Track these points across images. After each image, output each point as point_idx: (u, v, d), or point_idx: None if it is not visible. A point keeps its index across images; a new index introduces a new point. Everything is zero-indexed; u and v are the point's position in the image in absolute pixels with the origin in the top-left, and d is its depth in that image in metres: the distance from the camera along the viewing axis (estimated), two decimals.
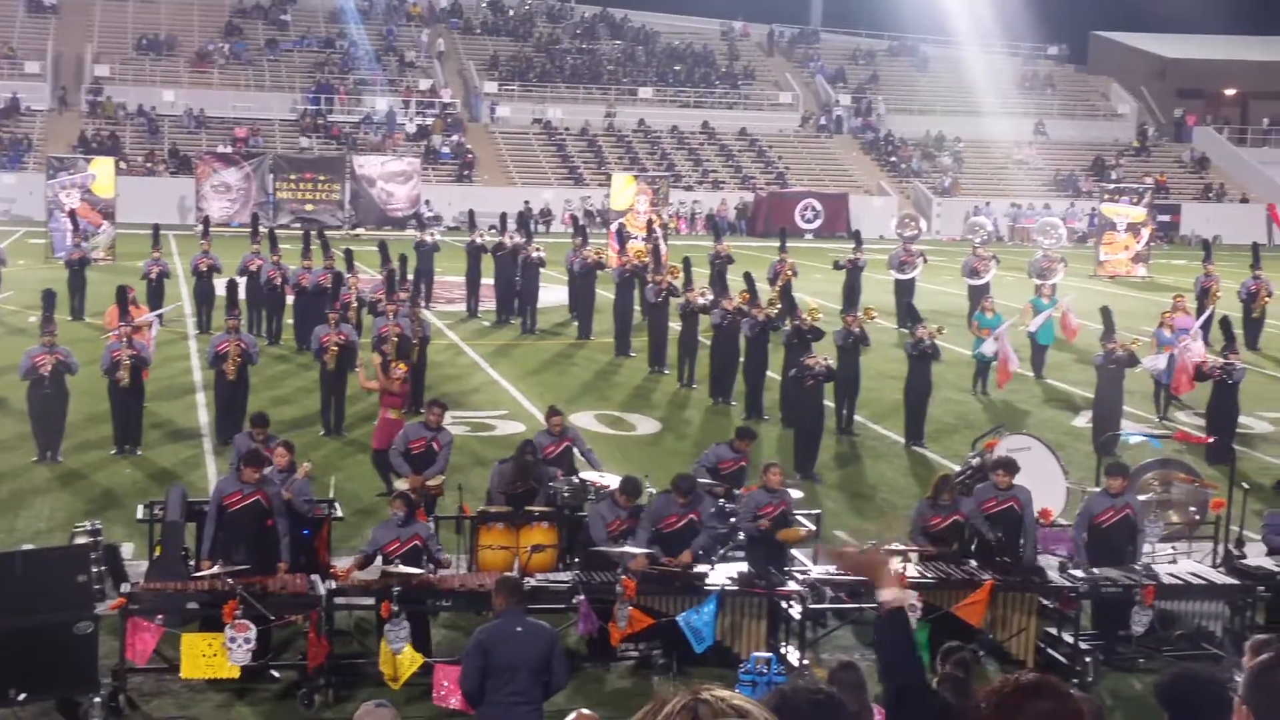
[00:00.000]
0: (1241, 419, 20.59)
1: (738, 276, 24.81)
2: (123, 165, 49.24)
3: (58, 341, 18.32)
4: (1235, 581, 12.73)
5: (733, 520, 13.53)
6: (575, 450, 15.14)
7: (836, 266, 30.77)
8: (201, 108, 59.53)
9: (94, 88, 59.68)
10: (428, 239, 31.90)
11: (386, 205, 53.53)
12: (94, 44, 62.58)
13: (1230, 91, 74.24)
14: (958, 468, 16.08)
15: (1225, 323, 21.33)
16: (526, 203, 52.73)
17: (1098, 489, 13.79)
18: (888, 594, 5.18)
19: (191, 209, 50.62)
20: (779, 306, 22.54)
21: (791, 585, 12.26)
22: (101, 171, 41.29)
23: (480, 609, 11.76)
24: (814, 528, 13.79)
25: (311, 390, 21.44)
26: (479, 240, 31.40)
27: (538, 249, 30.06)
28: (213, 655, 11.03)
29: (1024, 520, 13.10)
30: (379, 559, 11.93)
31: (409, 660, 11.07)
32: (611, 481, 14.22)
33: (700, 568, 12.49)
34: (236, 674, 11.09)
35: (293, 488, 12.79)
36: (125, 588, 11.47)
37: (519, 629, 9.41)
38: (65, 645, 10.80)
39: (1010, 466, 13.27)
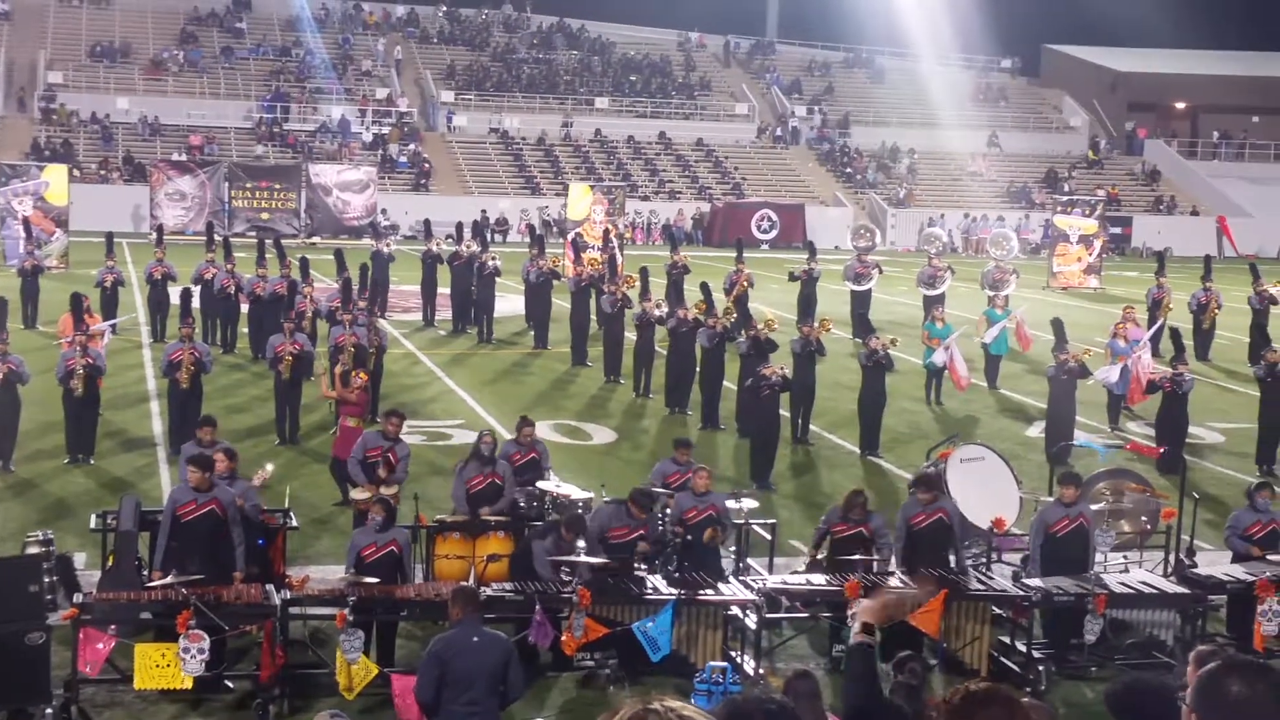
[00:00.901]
0: (1192, 429, 20.79)
1: (694, 287, 24.89)
2: (76, 173, 48.92)
3: (10, 350, 18.17)
4: (1186, 590, 12.86)
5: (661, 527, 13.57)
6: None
7: (792, 278, 30.86)
8: (156, 115, 59.18)
9: (47, 94, 59.24)
10: (384, 248, 31.83)
11: (343, 214, 53.39)
12: (47, 51, 62.14)
13: (1181, 105, 74.97)
14: (910, 477, 16.18)
15: (1175, 334, 21.52)
16: (483, 212, 52.75)
17: (1051, 499, 13.92)
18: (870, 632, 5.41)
19: (145, 217, 50.33)
20: (735, 316, 22.62)
21: (747, 594, 12.29)
22: (55, 179, 40.94)
23: (436, 619, 11.75)
24: (725, 525, 13.72)
25: (266, 399, 21.36)
26: (435, 249, 31.37)
27: (494, 258, 30.03)
28: (166, 666, 10.96)
29: (953, 530, 13.28)
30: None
31: (364, 670, 11.04)
32: (569, 491, 14.24)
33: (654, 578, 12.50)
34: (190, 685, 11.02)
35: (242, 494, 12.73)
36: (78, 598, 11.37)
37: (475, 639, 9.42)
38: (17, 656, 10.72)
39: (928, 483, 13.43)
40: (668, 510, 13.85)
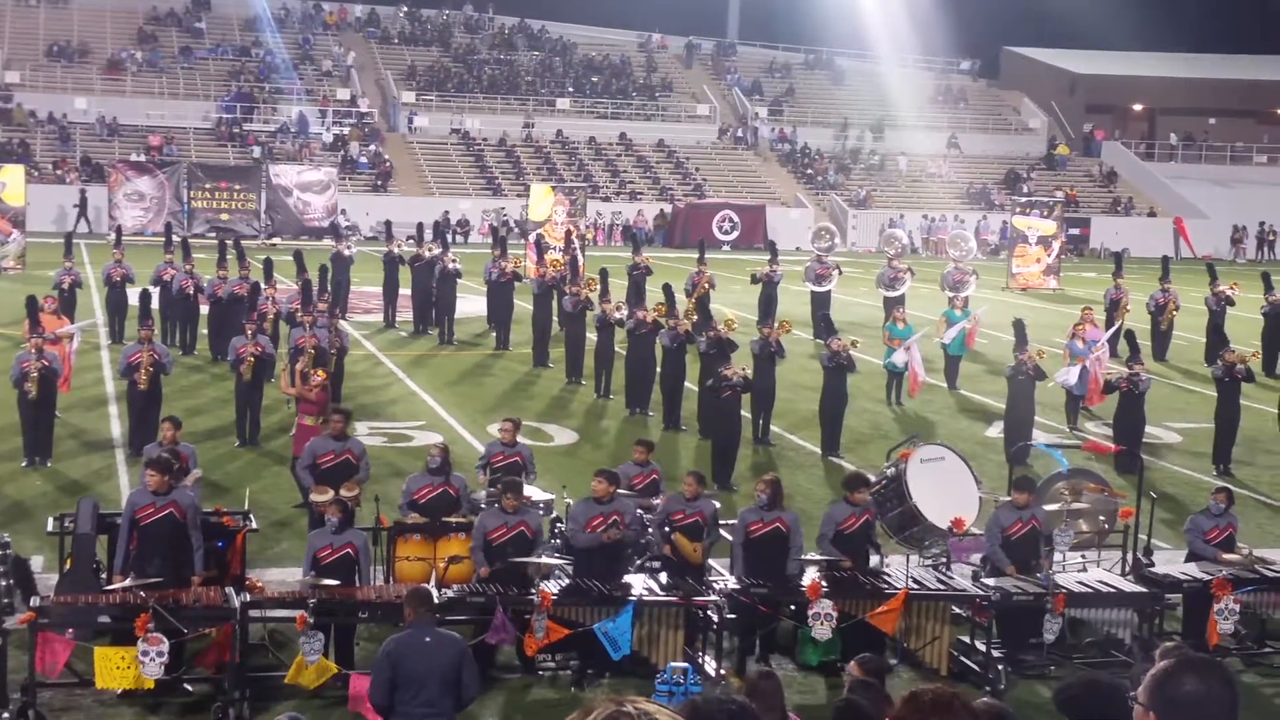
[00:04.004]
0: (1149, 429, 20.94)
1: (656, 288, 24.89)
2: (33, 173, 48.55)
3: None
4: (1144, 589, 12.96)
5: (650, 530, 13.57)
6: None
7: (754, 280, 30.92)
8: (114, 116, 58.76)
9: (4, 94, 58.75)
10: (344, 250, 31.72)
11: (303, 215, 53.15)
12: (4, 50, 61.63)
13: (1138, 107, 75.46)
14: (873, 477, 16.24)
15: (1130, 335, 21.73)
16: (445, 213, 52.58)
17: (1008, 498, 14.00)
18: None
19: (71, 215, 50.05)
20: (696, 317, 22.66)
21: (708, 594, 12.31)
22: (11, 179, 40.66)
23: (397, 621, 11.71)
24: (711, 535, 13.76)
25: (227, 401, 21.27)
26: (396, 251, 31.29)
27: (454, 260, 29.98)
28: (126, 668, 10.90)
29: (870, 529, 13.48)
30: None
31: (318, 671, 11.01)
32: (531, 492, 14.22)
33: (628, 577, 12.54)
34: (152, 684, 10.96)
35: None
36: (35, 601, 11.30)
37: (428, 639, 9.41)
38: None
39: (857, 482, 13.56)
40: (640, 513, 13.86)
